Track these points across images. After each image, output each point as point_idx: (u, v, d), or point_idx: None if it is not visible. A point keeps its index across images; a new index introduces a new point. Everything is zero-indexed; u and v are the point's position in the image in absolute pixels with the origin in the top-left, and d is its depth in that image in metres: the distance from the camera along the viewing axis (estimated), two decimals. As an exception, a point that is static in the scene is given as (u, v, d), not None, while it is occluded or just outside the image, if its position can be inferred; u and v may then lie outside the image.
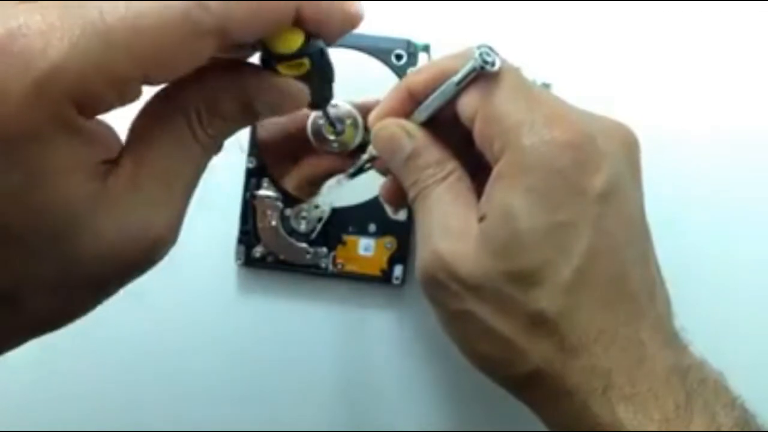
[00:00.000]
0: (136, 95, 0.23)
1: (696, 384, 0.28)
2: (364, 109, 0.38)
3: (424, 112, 0.32)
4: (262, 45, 0.25)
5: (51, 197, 0.22)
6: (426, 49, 0.39)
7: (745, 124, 0.39)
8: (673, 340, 0.30)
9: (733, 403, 0.28)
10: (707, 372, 0.29)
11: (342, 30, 0.26)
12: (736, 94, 0.39)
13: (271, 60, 0.25)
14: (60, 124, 0.21)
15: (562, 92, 0.33)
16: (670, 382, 0.28)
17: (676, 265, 0.32)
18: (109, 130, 0.24)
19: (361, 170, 0.36)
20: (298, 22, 0.24)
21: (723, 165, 0.39)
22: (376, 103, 0.34)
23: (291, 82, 0.26)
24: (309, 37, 0.25)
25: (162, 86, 0.25)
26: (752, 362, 0.31)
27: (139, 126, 0.25)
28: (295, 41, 0.25)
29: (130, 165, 0.24)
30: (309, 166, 0.39)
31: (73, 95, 0.21)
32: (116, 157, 0.24)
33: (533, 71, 0.32)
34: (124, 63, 0.21)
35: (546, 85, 0.37)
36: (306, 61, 0.26)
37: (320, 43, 0.26)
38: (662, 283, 0.31)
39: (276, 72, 0.26)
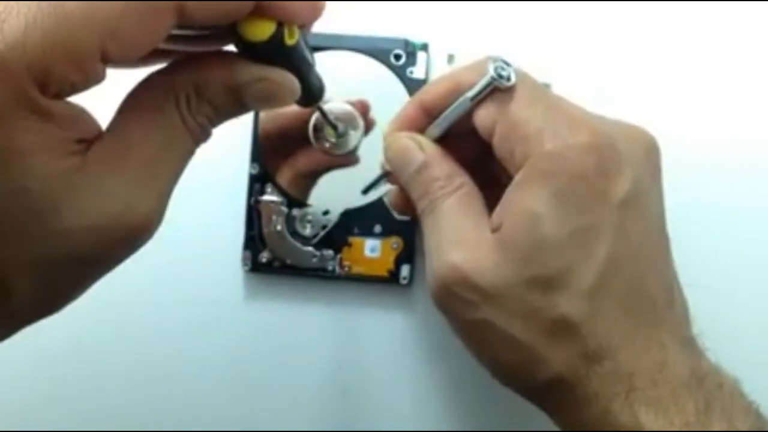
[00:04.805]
0: (98, 76, 0.23)
1: (714, 389, 0.28)
2: (364, 110, 0.39)
3: (438, 127, 0.32)
4: (236, 36, 0.25)
5: (23, 177, 0.22)
6: (424, 48, 0.39)
7: (748, 124, 0.39)
8: (691, 345, 0.30)
9: (748, 408, 0.28)
10: (723, 377, 0.29)
11: (310, 11, 0.26)
12: (738, 93, 0.39)
13: (274, 41, 0.25)
14: (23, 104, 0.21)
15: (562, 92, 0.33)
16: (690, 386, 0.28)
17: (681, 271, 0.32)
18: (81, 112, 0.24)
19: (374, 185, 0.36)
20: (265, 9, 0.24)
21: (726, 166, 0.38)
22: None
23: (281, 73, 0.26)
24: (281, 25, 0.25)
25: (151, 71, 0.25)
26: (759, 367, 0.30)
27: (126, 107, 0.25)
28: (265, 29, 0.25)
29: (113, 145, 0.24)
30: (305, 163, 0.39)
31: (34, 73, 0.21)
32: (98, 136, 0.24)
33: (533, 71, 0.31)
34: (81, 36, 0.21)
35: (546, 85, 0.37)
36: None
37: None
38: (680, 288, 0.31)
39: (284, 47, 0.26)
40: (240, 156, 0.39)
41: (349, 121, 0.38)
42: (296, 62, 0.27)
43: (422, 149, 0.32)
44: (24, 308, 0.24)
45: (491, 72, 0.30)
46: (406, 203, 0.34)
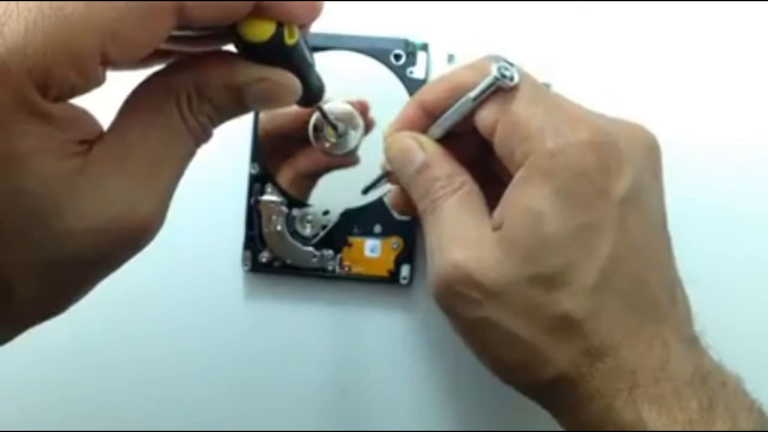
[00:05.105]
0: (98, 78, 0.23)
1: (717, 387, 0.28)
2: (364, 110, 0.39)
3: (439, 127, 0.32)
4: (236, 36, 0.25)
5: (24, 180, 0.22)
6: (424, 48, 0.39)
7: (748, 123, 0.39)
8: (693, 343, 0.30)
9: (751, 406, 0.28)
10: (727, 375, 0.29)
11: (309, 11, 0.26)
12: (738, 93, 0.39)
13: (274, 41, 0.25)
14: (23, 108, 0.21)
15: (562, 92, 0.33)
16: (694, 384, 0.28)
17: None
18: (82, 113, 0.24)
19: (374, 185, 0.36)
20: (265, 9, 0.24)
21: (725, 165, 0.38)
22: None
23: (281, 74, 0.26)
24: (281, 25, 0.25)
25: (151, 72, 0.25)
26: (761, 365, 0.31)
27: (127, 108, 0.25)
28: (265, 30, 0.25)
29: (114, 146, 0.24)
30: (305, 163, 0.39)
31: (34, 76, 0.21)
32: (99, 138, 0.24)
33: (533, 71, 0.31)
34: (81, 38, 0.21)
35: (546, 85, 0.37)
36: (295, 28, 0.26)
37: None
38: (682, 286, 0.31)
39: (284, 47, 0.26)
40: (240, 156, 0.39)
41: (349, 121, 0.38)
42: (296, 62, 0.27)
43: (423, 149, 0.32)
44: (27, 310, 0.24)
45: (494, 72, 0.30)
46: (407, 203, 0.34)
